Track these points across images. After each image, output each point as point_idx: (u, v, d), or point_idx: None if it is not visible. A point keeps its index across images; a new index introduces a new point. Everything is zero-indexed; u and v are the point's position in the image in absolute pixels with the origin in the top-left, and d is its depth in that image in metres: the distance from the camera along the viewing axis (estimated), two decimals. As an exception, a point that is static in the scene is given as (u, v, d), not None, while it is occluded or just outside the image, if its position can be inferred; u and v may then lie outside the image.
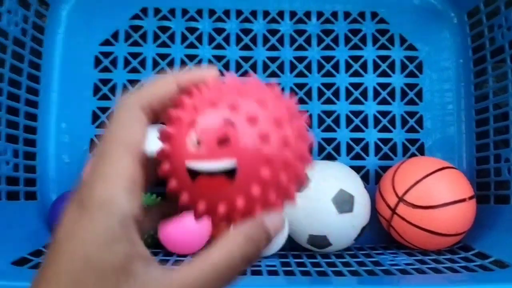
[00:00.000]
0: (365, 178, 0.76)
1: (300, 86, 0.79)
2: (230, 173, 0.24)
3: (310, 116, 0.78)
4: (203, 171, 0.24)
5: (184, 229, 0.65)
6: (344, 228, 0.64)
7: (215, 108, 0.24)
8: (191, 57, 0.79)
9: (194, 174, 0.24)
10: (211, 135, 0.24)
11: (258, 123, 0.24)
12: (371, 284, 0.54)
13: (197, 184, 0.24)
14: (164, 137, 0.25)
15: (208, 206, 0.25)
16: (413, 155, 0.77)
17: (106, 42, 0.79)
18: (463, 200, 0.64)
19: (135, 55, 0.78)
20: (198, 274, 0.23)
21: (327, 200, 0.64)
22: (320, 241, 0.65)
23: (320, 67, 0.79)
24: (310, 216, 0.64)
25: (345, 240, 0.66)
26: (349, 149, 0.78)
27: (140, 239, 0.24)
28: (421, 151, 0.78)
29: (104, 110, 0.77)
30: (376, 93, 0.79)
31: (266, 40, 0.80)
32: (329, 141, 0.77)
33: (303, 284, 0.52)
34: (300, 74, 0.79)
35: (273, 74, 0.79)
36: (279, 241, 0.65)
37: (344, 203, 0.64)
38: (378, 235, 0.74)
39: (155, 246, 0.71)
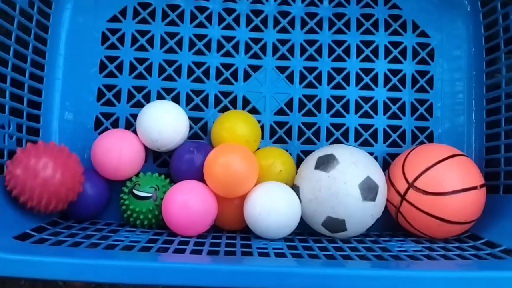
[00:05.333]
0: (373, 165, 0.75)
1: (310, 70, 0.77)
2: None
3: (319, 100, 0.77)
4: None
5: (189, 209, 0.64)
6: (364, 216, 0.63)
7: None
8: (200, 37, 0.78)
9: None
10: None
11: None
12: (385, 268, 0.53)
13: None
14: None
15: None
16: (421, 143, 0.76)
17: (114, 19, 0.77)
18: (474, 188, 0.63)
19: (143, 33, 0.77)
20: None
21: (354, 184, 0.63)
22: (336, 225, 0.64)
23: (331, 51, 0.78)
24: (334, 198, 0.63)
25: (361, 228, 0.65)
26: (358, 135, 0.76)
27: None
28: (430, 139, 0.77)
29: (110, 87, 0.76)
30: (387, 80, 0.78)
31: (277, 22, 0.79)
32: (337, 126, 0.76)
33: (314, 266, 0.51)
34: (311, 58, 0.78)
35: (283, 57, 0.78)
36: (292, 224, 0.65)
37: (369, 191, 0.63)
38: (383, 224, 0.73)
39: (159, 226, 0.70)
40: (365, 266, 0.53)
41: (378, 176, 0.65)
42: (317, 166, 0.66)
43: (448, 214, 0.63)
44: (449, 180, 0.63)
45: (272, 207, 0.64)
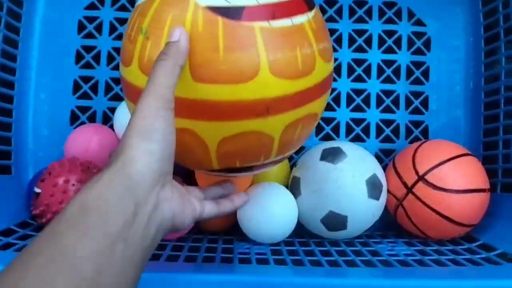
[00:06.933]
0: (364, 161, 0.71)
1: (299, 60, 0.73)
2: None
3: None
4: None
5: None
6: (366, 213, 0.60)
7: None
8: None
9: None
10: None
11: None
12: (369, 277, 0.49)
13: None
14: None
15: None
16: (416, 138, 0.73)
17: (91, 6, 0.73)
18: (483, 191, 0.60)
19: (122, 21, 0.73)
20: None
21: (361, 179, 0.60)
22: (337, 222, 0.60)
23: (321, 40, 0.74)
24: (340, 191, 0.59)
25: (362, 227, 0.62)
26: (349, 129, 0.73)
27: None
28: (425, 134, 0.73)
29: (86, 79, 0.72)
30: (380, 71, 0.74)
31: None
32: (328, 120, 0.73)
33: (287, 275, 0.48)
34: (299, 48, 0.74)
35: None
36: (289, 226, 0.61)
37: (375, 188, 0.60)
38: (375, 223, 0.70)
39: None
40: (347, 275, 0.49)
41: (381, 175, 0.63)
42: (323, 158, 0.62)
43: (454, 213, 0.59)
44: (461, 178, 0.60)
45: (268, 209, 0.59)
